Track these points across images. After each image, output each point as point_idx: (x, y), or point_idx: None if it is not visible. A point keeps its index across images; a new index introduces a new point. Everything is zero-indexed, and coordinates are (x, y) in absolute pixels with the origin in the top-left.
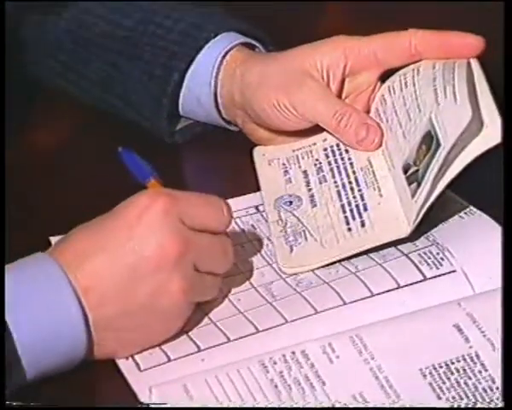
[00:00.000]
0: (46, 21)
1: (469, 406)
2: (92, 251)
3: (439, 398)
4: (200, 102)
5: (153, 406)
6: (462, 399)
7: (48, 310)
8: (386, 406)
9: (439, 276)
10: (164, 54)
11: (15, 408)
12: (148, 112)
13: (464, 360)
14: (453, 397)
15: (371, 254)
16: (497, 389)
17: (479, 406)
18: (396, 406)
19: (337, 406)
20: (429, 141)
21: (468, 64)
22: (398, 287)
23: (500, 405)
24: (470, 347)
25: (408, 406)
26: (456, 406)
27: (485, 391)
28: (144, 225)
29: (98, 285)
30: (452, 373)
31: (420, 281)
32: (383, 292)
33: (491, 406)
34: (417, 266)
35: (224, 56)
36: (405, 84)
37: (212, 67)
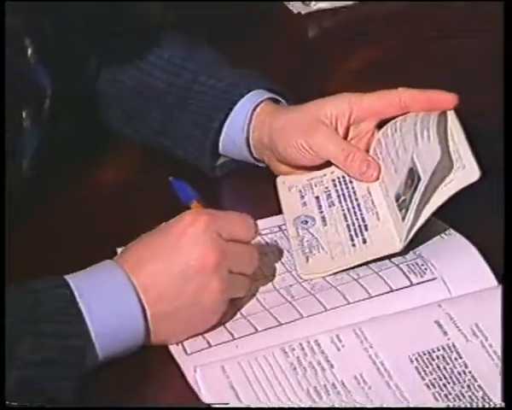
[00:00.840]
0: (114, 79)
1: (445, 384)
2: (149, 258)
3: (423, 379)
4: (236, 144)
5: (214, 406)
6: (441, 380)
7: (114, 307)
8: (382, 386)
9: (423, 282)
10: (207, 106)
11: (15, 408)
12: (195, 152)
13: (443, 349)
14: (434, 378)
15: (370, 265)
16: (470, 372)
17: (457, 389)
18: (391, 389)
19: (337, 386)
20: (412, 175)
21: (442, 114)
22: (391, 291)
23: (477, 390)
24: (448, 339)
25: (398, 383)
26: (436, 386)
27: (460, 374)
28: (189, 237)
29: (156, 285)
30: (434, 359)
31: (408, 286)
32: (379, 294)
33: (464, 386)
34: (406, 275)
35: (254, 109)
36: (395, 129)
37: (246, 117)
